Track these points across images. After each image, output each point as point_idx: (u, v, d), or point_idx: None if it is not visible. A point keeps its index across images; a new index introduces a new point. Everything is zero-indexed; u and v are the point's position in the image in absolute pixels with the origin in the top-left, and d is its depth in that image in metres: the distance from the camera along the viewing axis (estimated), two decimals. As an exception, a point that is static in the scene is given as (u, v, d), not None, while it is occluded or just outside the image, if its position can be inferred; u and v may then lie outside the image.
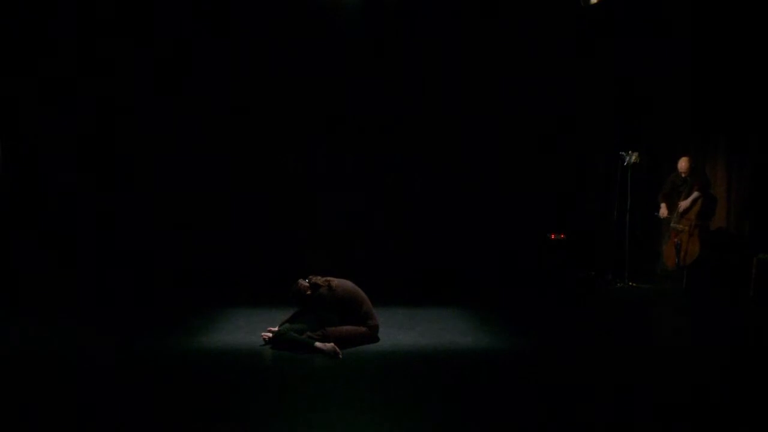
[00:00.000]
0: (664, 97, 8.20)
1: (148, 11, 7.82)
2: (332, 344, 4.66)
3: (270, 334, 4.91)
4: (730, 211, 7.71)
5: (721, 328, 5.95)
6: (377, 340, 5.04)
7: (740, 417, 3.70)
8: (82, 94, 7.84)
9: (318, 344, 4.68)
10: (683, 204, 7.56)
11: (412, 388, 4.08)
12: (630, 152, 7.62)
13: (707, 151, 7.94)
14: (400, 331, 5.37)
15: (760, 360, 4.89)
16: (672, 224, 7.64)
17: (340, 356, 4.59)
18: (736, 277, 7.25)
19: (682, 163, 7.64)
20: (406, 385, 4.15)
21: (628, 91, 8.34)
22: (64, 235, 7.75)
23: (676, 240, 7.54)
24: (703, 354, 5.13)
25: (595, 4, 7.36)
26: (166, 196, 8.04)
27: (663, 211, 7.82)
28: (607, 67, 8.40)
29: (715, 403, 3.95)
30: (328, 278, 5.04)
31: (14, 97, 7.65)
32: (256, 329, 5.17)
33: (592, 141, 8.64)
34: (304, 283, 5.02)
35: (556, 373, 4.44)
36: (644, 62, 8.15)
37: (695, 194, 7.51)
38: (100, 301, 6.63)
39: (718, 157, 7.84)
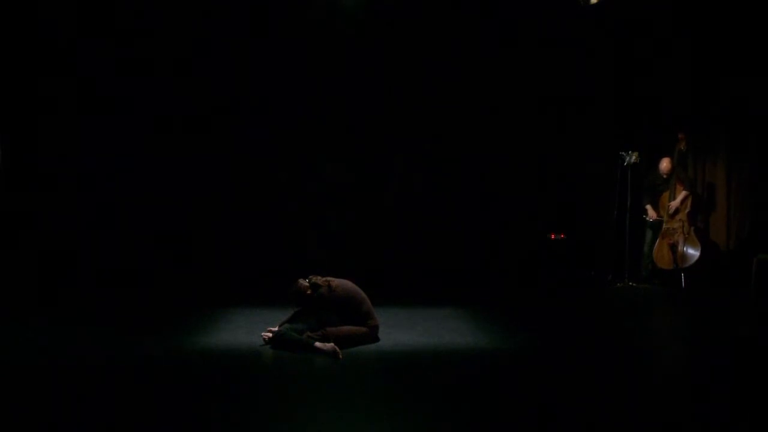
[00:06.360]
0: (663, 96, 8.19)
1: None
2: (332, 344, 4.65)
3: (270, 334, 4.90)
4: (730, 211, 7.70)
5: (721, 328, 5.95)
6: (377, 340, 5.03)
7: (741, 417, 3.70)
8: None
9: (318, 344, 4.67)
10: (673, 204, 7.56)
11: (412, 388, 4.07)
12: (630, 152, 7.62)
13: (707, 151, 7.93)
14: (400, 331, 5.36)
15: (760, 360, 4.89)
16: (665, 225, 7.63)
17: (340, 356, 4.58)
18: (736, 277, 7.25)
19: (664, 164, 7.68)
20: (406, 385, 4.15)
21: (627, 91, 8.33)
22: (63, 237, 7.75)
23: (670, 242, 7.54)
24: (703, 354, 5.13)
25: (595, 4, 7.36)
26: (165, 196, 8.03)
27: (651, 212, 7.81)
28: (606, 66, 8.39)
29: (716, 403, 3.95)
30: (328, 278, 5.03)
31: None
32: (256, 329, 5.16)
33: (592, 141, 8.63)
34: (304, 283, 5.01)
35: (556, 373, 4.44)
36: (644, 62, 8.15)
37: (683, 193, 7.51)
38: (100, 301, 6.63)
39: (718, 157, 7.83)
